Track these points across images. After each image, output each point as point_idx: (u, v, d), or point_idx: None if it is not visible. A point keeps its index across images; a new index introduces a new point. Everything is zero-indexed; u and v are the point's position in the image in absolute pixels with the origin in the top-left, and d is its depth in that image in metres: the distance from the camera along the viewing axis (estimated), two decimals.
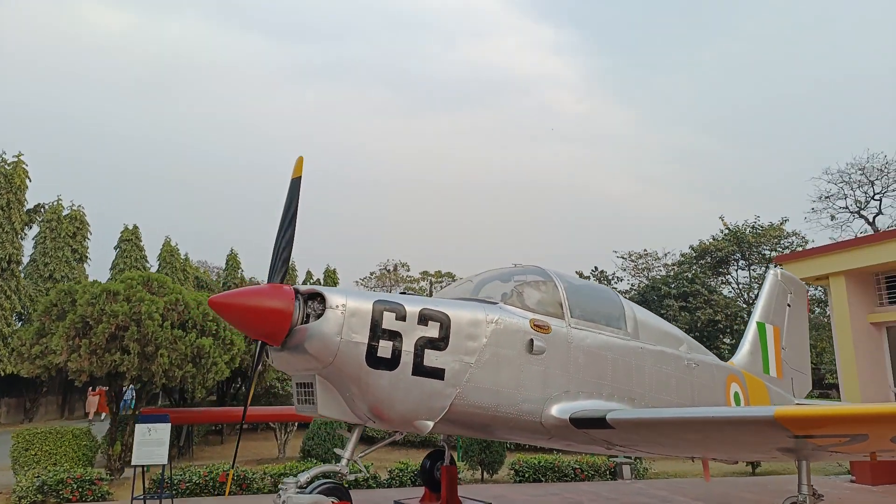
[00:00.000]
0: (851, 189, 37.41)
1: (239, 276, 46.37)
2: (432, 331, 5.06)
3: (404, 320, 4.99)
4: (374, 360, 4.81)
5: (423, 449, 19.38)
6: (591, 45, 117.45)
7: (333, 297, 4.79)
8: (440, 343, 5.08)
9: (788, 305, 10.36)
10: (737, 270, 41.65)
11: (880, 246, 12.46)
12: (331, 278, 52.79)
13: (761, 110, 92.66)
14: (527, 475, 13.01)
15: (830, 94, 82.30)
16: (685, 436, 5.23)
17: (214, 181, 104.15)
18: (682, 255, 43.36)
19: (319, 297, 4.87)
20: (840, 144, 73.56)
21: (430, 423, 5.17)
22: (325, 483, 5.21)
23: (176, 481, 11.31)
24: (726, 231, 40.13)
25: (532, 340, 5.52)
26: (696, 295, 34.84)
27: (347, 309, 4.79)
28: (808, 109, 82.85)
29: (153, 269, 37.61)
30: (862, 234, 37.12)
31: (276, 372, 19.45)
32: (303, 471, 5.21)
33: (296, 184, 5.12)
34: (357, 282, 74.20)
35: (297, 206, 5.04)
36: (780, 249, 39.04)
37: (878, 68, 77.81)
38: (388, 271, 75.44)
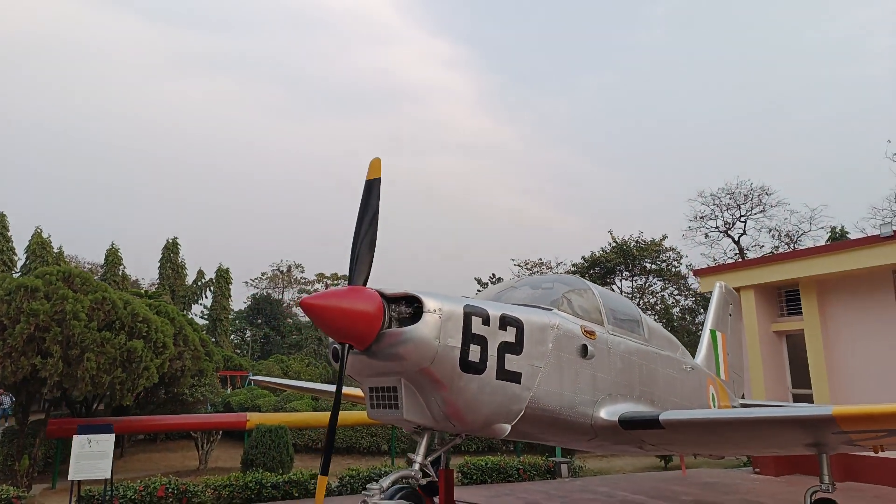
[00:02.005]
0: (721, 211, 42.01)
1: (120, 273, 42.51)
2: (510, 335, 5.18)
3: (488, 325, 5.06)
4: (465, 364, 4.84)
5: (367, 456, 19.08)
6: (483, 63, 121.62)
7: (430, 301, 4.75)
8: (517, 347, 5.22)
9: (730, 315, 11.67)
10: (621, 280, 44.95)
11: (781, 265, 14.31)
12: (223, 277, 50.03)
13: (635, 136, 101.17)
14: (474, 477, 13.30)
15: (700, 124, 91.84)
16: (731, 435, 5.81)
17: (89, 170, 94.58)
18: (574, 265, 46.12)
19: (406, 301, 4.81)
20: (710, 170, 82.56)
21: (508, 427, 5.29)
22: (404, 489, 5.13)
23: (108, 497, 10.27)
24: (614, 244, 43.29)
25: (585, 346, 5.83)
26: None
27: (444, 313, 4.77)
28: (681, 138, 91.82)
29: (21, 263, 33.38)
30: (731, 252, 41.83)
31: (192, 378, 18.22)
32: (384, 475, 5.11)
33: (373, 185, 5.01)
34: (247, 282, 70.84)
35: (377, 207, 4.94)
36: (659, 263, 42.89)
37: (743, 96, 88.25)
38: (281, 272, 72.82)
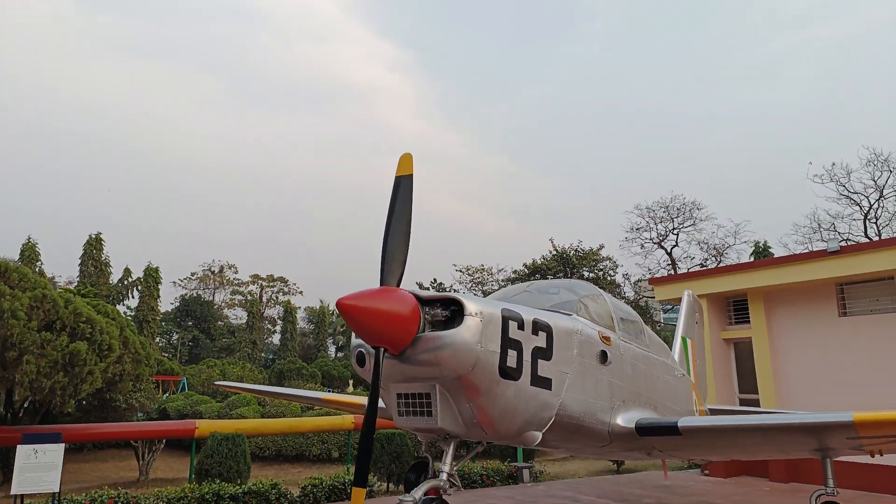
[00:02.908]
0: (655, 223, 43.85)
1: (38, 269, 39.40)
2: (541, 341, 5.07)
3: (523, 329, 4.92)
4: (503, 370, 4.69)
5: (317, 463, 18.50)
6: (426, 67, 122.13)
7: (471, 304, 4.57)
8: (548, 353, 5.12)
9: (697, 322, 12.10)
10: None
11: (730, 276, 15.05)
12: (152, 277, 47.43)
13: (573, 147, 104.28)
14: None
15: (635, 137, 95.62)
16: (744, 441, 5.91)
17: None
18: (515, 272, 46.88)
19: (441, 304, 4.61)
20: (646, 183, 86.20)
21: (539, 434, 5.16)
22: (436, 499, 4.89)
23: None
24: (554, 252, 44.39)
25: (605, 352, 5.80)
26: None
27: (484, 316, 4.60)
28: (618, 151, 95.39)
29: None
30: (664, 263, 43.69)
31: (129, 384, 17.07)
32: (415, 488, 4.89)
33: (405, 181, 4.78)
34: (176, 282, 67.46)
35: (410, 204, 4.72)
36: (597, 272, 44.27)
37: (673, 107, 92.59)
38: (213, 272, 69.81)
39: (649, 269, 43.32)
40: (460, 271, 50.13)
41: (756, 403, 14.23)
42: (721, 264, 40.10)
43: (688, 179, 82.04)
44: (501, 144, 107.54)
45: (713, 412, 10.16)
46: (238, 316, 68.78)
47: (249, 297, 66.61)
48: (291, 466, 18.13)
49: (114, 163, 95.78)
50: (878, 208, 35.60)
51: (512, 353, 4.75)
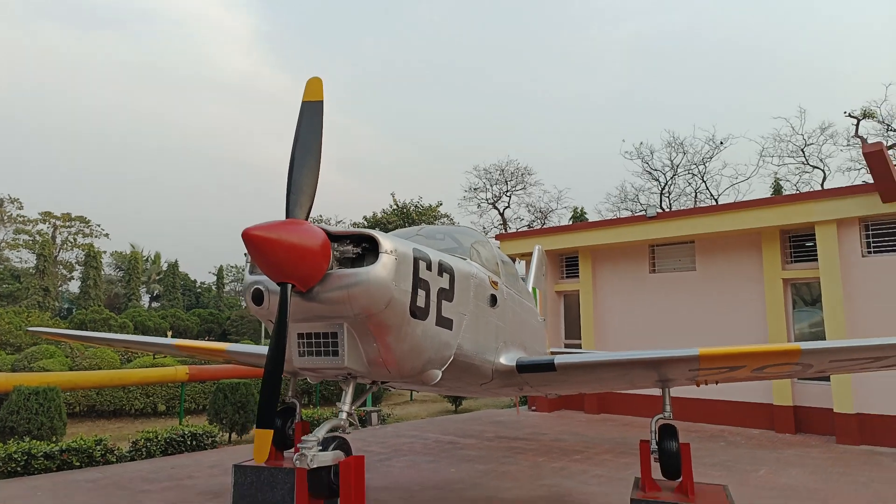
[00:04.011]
0: (491, 185, 46.36)
1: None
2: (445, 282, 5.08)
3: (430, 270, 4.88)
4: (413, 309, 4.63)
5: (140, 418, 16.99)
6: (264, 6, 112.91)
7: (386, 242, 4.39)
8: (450, 294, 5.15)
9: (544, 275, 13.09)
10: None
11: (566, 235, 16.60)
12: None
13: (415, 106, 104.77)
14: None
15: (476, 101, 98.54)
16: (606, 374, 6.55)
17: None
18: (355, 224, 46.62)
19: (351, 240, 4.39)
20: (485, 146, 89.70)
21: (440, 373, 5.18)
22: (337, 438, 4.71)
23: None
24: (395, 207, 44.92)
25: (494, 296, 6.01)
26: None
27: (398, 254, 4.45)
28: (459, 114, 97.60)
29: None
30: (497, 222, 46.44)
31: None
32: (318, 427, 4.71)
33: (312, 108, 4.41)
34: None
35: (319, 133, 4.37)
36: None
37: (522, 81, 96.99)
38: None
39: (483, 228, 45.87)
40: None
41: (578, 347, 16.06)
42: (545, 226, 43.85)
43: (520, 146, 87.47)
44: (339, 95, 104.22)
45: (554, 354, 11.27)
46: (24, 259, 59.22)
47: (39, 238, 57.54)
48: (108, 422, 16.46)
49: None
50: (671, 185, 41.43)
51: (421, 293, 4.75)
